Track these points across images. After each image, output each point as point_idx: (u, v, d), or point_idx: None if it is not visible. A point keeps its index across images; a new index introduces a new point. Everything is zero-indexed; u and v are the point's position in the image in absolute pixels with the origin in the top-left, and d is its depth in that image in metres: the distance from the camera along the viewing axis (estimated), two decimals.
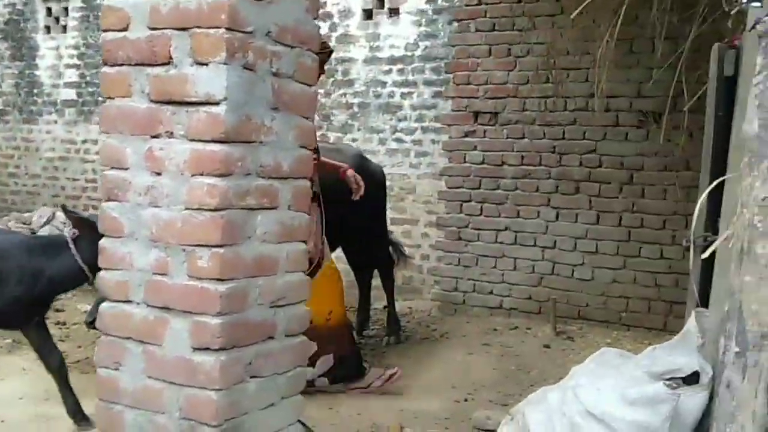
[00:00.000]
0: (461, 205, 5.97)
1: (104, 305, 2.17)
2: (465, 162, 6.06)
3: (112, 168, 2.12)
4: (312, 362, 3.84)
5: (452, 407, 3.91)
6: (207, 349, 2.00)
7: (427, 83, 6.35)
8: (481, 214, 5.95)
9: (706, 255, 2.02)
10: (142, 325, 2.09)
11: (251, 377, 2.12)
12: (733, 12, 2.24)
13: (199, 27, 1.95)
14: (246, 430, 2.10)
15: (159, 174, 2.03)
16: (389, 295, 5.43)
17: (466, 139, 6.03)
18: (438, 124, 6.27)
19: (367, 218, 4.86)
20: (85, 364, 4.38)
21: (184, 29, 1.97)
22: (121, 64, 2.08)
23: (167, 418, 2.06)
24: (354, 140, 6.62)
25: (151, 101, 2.04)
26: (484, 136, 5.92)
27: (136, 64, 2.05)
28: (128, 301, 2.11)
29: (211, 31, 1.93)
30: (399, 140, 6.50)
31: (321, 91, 6.79)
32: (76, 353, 4.62)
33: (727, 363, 1.81)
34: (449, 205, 6.06)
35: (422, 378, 4.47)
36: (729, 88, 2.37)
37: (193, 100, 1.97)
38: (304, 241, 2.31)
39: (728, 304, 1.82)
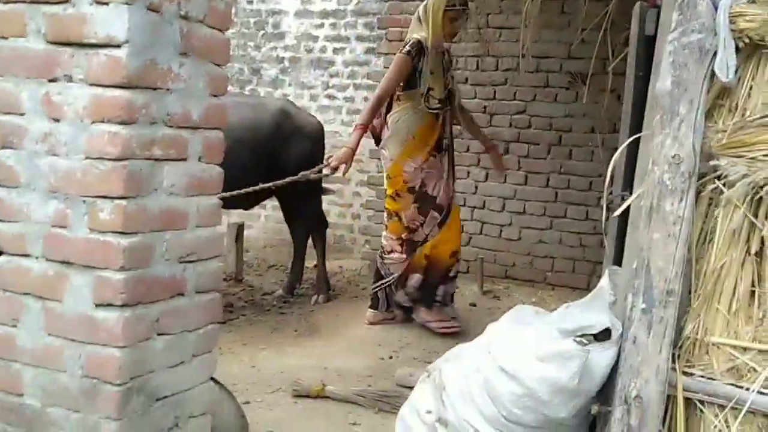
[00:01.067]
0: None
1: (1, 259, 2.05)
2: None
3: (7, 113, 1.98)
4: (404, 282, 4.53)
5: (376, 365, 3.93)
6: (110, 305, 1.91)
7: (360, 39, 6.22)
8: None
9: (618, 213, 2.03)
10: (40, 280, 1.98)
11: (159, 334, 2.04)
12: None
13: None
14: (153, 388, 2.03)
15: (57, 120, 1.91)
16: (320, 253, 5.38)
17: None
18: (371, 81, 6.18)
19: (295, 172, 4.63)
20: None
21: None
22: (15, 1, 1.93)
23: (69, 377, 1.97)
24: (285, 95, 6.46)
25: (48, 42, 1.90)
26: None
27: (32, 2, 1.91)
28: (26, 255, 2.00)
29: None
30: (331, 97, 6.39)
31: (251, 44, 6.61)
32: None
33: (633, 319, 1.83)
34: (380, 163, 6.01)
35: (348, 336, 4.47)
36: (649, 47, 2.36)
37: (93, 42, 1.84)
38: (217, 194, 2.23)
39: (637, 262, 1.83)
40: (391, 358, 4.06)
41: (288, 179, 4.46)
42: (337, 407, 3.26)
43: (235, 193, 4.00)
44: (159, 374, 2.05)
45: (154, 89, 1.92)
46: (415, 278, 4.53)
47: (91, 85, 1.87)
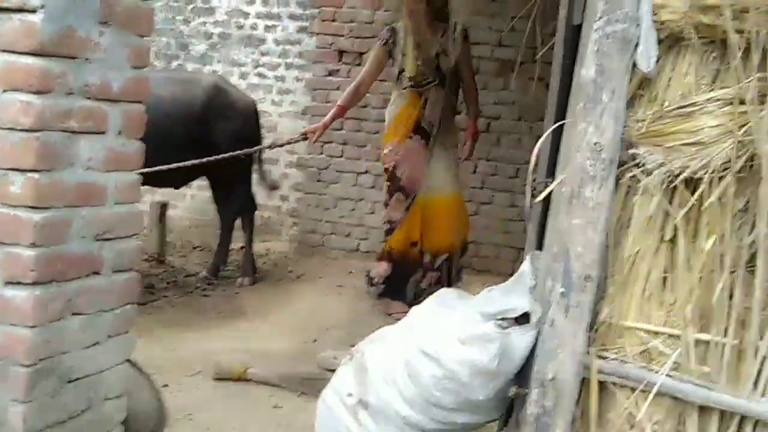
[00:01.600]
0: (323, 146, 5.89)
1: None
2: (328, 101, 5.95)
3: None
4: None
5: (300, 347, 3.91)
6: (19, 283, 1.83)
7: (292, 17, 6.13)
8: (342, 156, 5.92)
9: (539, 199, 2.06)
10: None
11: (73, 314, 1.97)
12: None
13: None
14: (65, 369, 1.96)
15: None
16: (248, 236, 5.31)
17: (330, 78, 5.94)
18: (302, 61, 6.12)
19: (225, 151, 4.48)
20: None
21: None
22: None
23: None
24: (214, 72, 6.32)
25: None
26: (348, 76, 5.84)
27: None
28: None
29: None
30: (261, 75, 6.27)
31: (179, 17, 6.42)
32: None
33: (552, 303, 1.87)
34: (310, 146, 5.96)
35: (273, 319, 4.44)
36: (576, 36, 2.40)
37: (5, 5, 1.75)
38: (138, 171, 2.16)
39: (557, 247, 1.87)
40: (315, 341, 4.05)
41: (257, 148, 4.71)
42: (260, 390, 3.24)
43: (180, 165, 3.98)
44: (72, 355, 1.98)
45: (72, 58, 1.84)
46: (382, 268, 4.56)
47: (3, 51, 1.77)
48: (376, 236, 5.88)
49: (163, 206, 5.65)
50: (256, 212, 5.52)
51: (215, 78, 5.28)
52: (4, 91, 1.79)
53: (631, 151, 1.89)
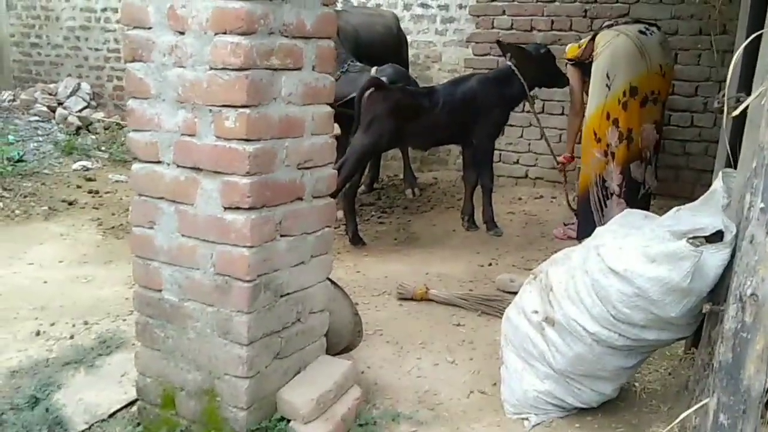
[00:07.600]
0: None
1: (136, 166, 2.21)
2: (492, 28, 5.90)
3: (135, 27, 2.09)
4: None
5: (476, 271, 4.02)
6: (238, 208, 2.04)
7: None
8: None
9: (736, 113, 1.98)
10: (173, 185, 2.13)
11: (282, 236, 2.17)
12: None
13: None
14: (277, 285, 2.18)
15: (182, 33, 2.01)
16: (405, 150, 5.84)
17: (494, 3, 5.84)
18: None
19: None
20: (118, 230, 4.52)
21: None
22: None
23: (202, 274, 2.14)
24: (378, 6, 6.41)
25: None
26: (513, 0, 5.72)
27: None
28: (158, 162, 2.15)
29: None
30: (424, 5, 6.28)
31: None
32: (110, 220, 4.76)
33: (751, 219, 1.81)
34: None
35: (446, 245, 4.56)
36: None
37: None
38: (330, 104, 2.30)
39: (756, 161, 1.80)
40: (490, 264, 4.14)
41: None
42: (441, 309, 3.38)
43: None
44: (283, 273, 2.19)
45: (271, 0, 1.98)
46: None
47: None
48: (544, 162, 5.82)
49: (338, 137, 5.94)
50: None
51: (390, 11, 6.01)
52: (216, 34, 1.96)
53: None
